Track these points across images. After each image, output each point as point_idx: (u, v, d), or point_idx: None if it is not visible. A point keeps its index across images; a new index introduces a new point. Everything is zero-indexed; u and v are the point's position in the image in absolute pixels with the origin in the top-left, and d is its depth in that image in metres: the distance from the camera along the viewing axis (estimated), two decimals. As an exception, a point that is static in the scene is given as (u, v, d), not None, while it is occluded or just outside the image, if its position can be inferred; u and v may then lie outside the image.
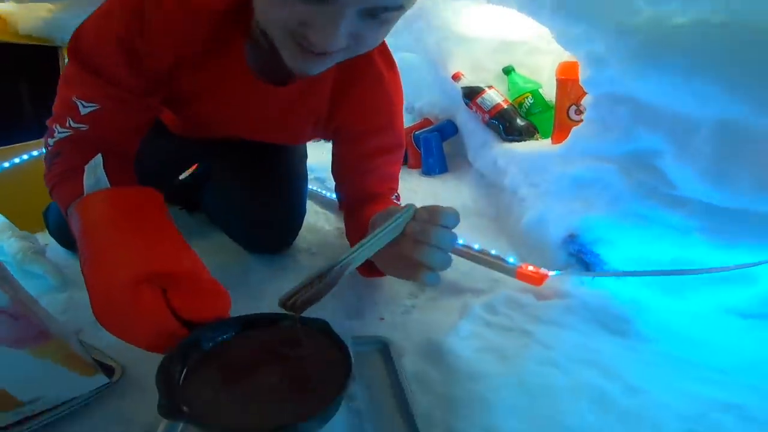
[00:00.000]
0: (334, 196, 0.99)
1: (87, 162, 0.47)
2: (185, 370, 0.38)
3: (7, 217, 0.78)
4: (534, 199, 0.82)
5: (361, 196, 0.69)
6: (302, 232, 0.86)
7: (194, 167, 1.05)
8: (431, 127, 1.27)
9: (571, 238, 0.67)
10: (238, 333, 0.43)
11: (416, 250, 0.42)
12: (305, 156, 0.92)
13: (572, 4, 0.47)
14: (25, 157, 0.92)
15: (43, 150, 0.56)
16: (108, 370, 0.46)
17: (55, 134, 0.54)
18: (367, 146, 0.67)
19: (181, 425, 0.40)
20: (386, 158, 0.69)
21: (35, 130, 1.00)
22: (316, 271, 0.42)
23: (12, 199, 0.85)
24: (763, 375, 0.48)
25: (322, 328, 0.42)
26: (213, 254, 0.82)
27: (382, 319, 0.62)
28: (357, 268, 0.61)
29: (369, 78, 0.61)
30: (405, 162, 1.27)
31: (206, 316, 0.41)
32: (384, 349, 0.54)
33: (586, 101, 0.70)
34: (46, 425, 0.41)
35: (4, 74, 1.02)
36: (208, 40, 0.53)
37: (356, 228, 0.66)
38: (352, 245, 0.68)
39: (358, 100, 0.63)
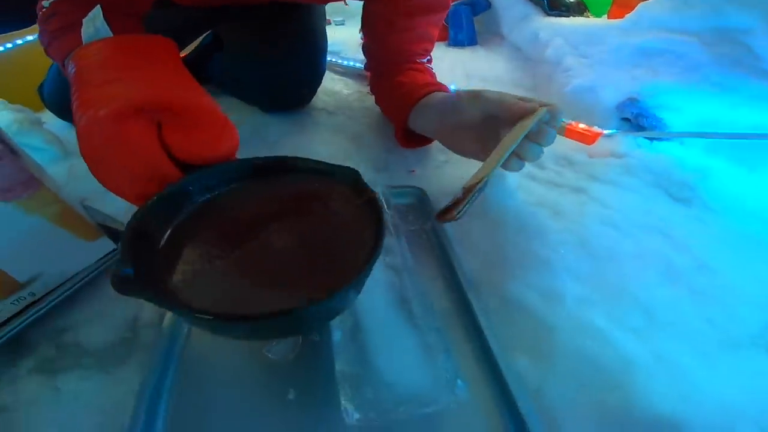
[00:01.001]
0: (352, 63, 0.93)
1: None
2: (168, 230, 0.29)
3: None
4: (582, 68, 0.77)
5: (394, 55, 0.60)
6: (320, 95, 0.78)
7: (196, 43, 0.92)
8: (461, 0, 1.12)
9: (631, 102, 0.59)
10: (242, 181, 0.33)
11: (524, 149, 0.40)
12: (324, 16, 0.80)
13: None
14: (19, 42, 0.88)
15: (38, 12, 0.45)
16: (114, 236, 0.39)
17: None
18: (407, 3, 0.56)
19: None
20: (428, 18, 0.59)
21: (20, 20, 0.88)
22: (468, 184, 0.36)
23: (4, 82, 0.80)
24: None
25: (350, 176, 0.32)
26: (228, 114, 0.74)
27: (413, 171, 0.55)
28: (396, 138, 0.56)
29: None
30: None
31: (206, 155, 0.32)
32: (421, 199, 0.47)
33: None
34: (47, 313, 0.36)
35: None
36: None
37: (389, 90, 0.59)
38: (384, 107, 0.61)
39: None
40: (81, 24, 0.36)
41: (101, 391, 0.31)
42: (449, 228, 0.42)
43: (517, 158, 0.41)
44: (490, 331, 0.31)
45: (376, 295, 0.33)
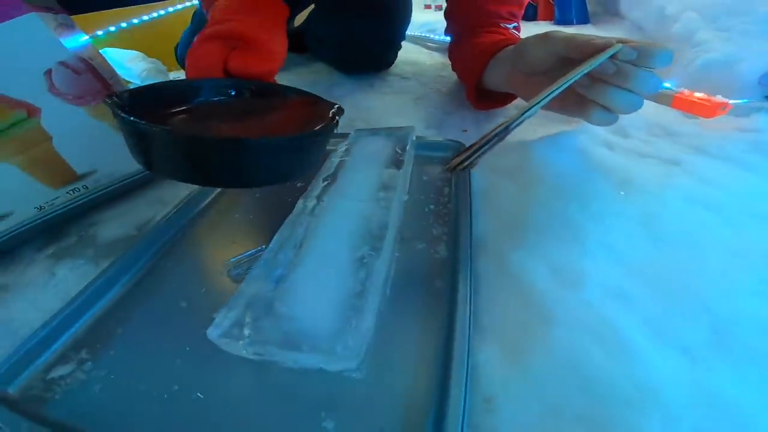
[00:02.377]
0: (442, 38, 0.86)
1: None
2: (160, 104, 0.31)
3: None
4: (719, 41, 0.61)
5: (476, 18, 0.53)
6: (401, 65, 0.75)
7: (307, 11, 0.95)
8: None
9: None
10: (237, 93, 0.37)
11: (602, 93, 0.32)
12: None
13: None
14: (157, 14, 1.08)
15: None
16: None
17: None
18: None
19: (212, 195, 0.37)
20: None
21: None
22: (496, 127, 0.33)
23: (148, 46, 0.96)
24: None
25: (331, 105, 0.34)
26: (307, 75, 0.77)
27: (465, 130, 0.47)
28: (468, 98, 0.50)
29: None
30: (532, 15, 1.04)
31: (245, 71, 0.37)
32: (458, 153, 0.40)
33: None
34: (97, 204, 0.40)
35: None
36: None
37: (463, 52, 0.53)
38: (459, 69, 0.55)
39: None
40: None
41: (79, 280, 0.30)
42: (476, 180, 0.34)
43: (601, 108, 0.32)
44: (464, 302, 0.23)
45: (343, 224, 0.27)
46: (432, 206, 0.32)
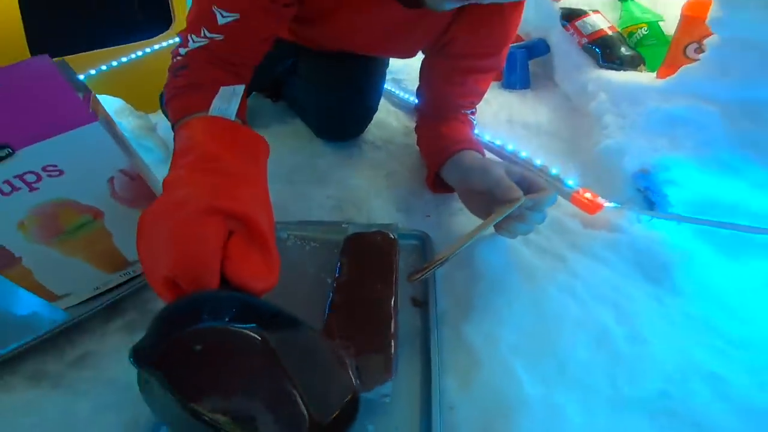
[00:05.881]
0: (408, 96, 1.01)
1: (212, 80, 0.47)
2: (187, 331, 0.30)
3: (125, 101, 0.91)
4: (617, 128, 0.78)
5: (442, 104, 0.70)
6: (371, 126, 0.89)
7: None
8: (520, 43, 1.16)
9: (643, 173, 0.62)
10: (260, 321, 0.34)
11: (509, 226, 0.50)
12: (388, 62, 0.92)
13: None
14: (139, 53, 1.10)
15: (172, 58, 0.53)
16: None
17: (189, 44, 0.51)
18: (466, 64, 0.65)
19: None
20: (481, 77, 0.68)
21: (146, 31, 1.17)
22: (441, 254, 0.47)
23: (130, 87, 0.98)
24: (766, 355, 0.46)
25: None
26: (288, 137, 0.88)
27: (429, 216, 0.64)
28: (427, 183, 0.67)
29: (491, 8, 0.57)
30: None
31: (247, 278, 0.32)
32: (423, 242, 0.57)
33: (709, 41, 0.65)
34: (140, 287, 0.50)
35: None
36: None
37: (430, 138, 0.69)
38: (422, 151, 0.72)
39: (475, 24, 0.61)
40: (207, 87, 0.45)
41: None
42: (441, 271, 0.52)
43: (506, 231, 0.51)
44: (436, 352, 0.43)
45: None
46: (410, 289, 0.51)
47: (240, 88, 0.42)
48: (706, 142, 0.60)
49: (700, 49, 0.74)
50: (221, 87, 0.43)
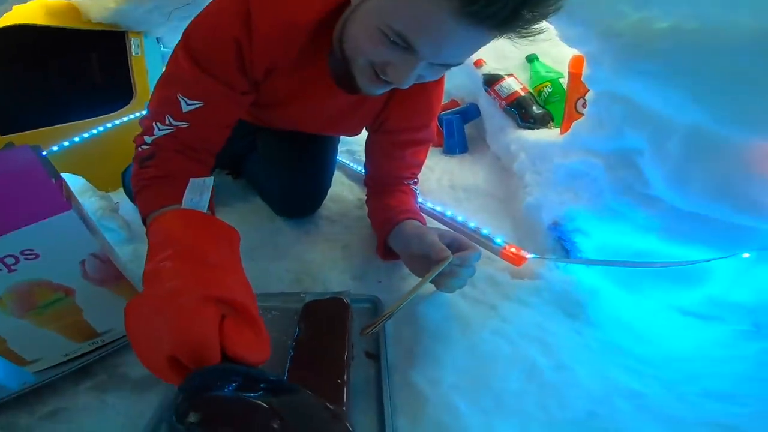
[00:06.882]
0: (360, 169, 1.10)
1: (180, 170, 0.52)
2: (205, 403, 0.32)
3: (87, 180, 0.93)
4: (535, 185, 0.89)
5: (387, 177, 0.80)
6: (327, 200, 0.98)
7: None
8: (455, 108, 1.32)
9: (555, 225, 0.73)
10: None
11: (444, 282, 0.59)
12: (339, 141, 1.04)
13: (569, 6, 0.49)
14: (100, 128, 1.11)
15: (136, 146, 0.55)
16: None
17: (155, 132, 0.54)
18: (402, 138, 0.76)
19: None
20: (416, 149, 0.78)
21: (108, 105, 1.17)
22: (388, 310, 0.56)
23: (91, 164, 1.00)
24: (675, 370, 0.54)
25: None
26: (249, 215, 0.97)
27: (380, 281, 0.72)
28: (377, 251, 0.76)
29: (416, 86, 0.60)
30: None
31: (246, 354, 0.36)
32: (375, 304, 0.65)
33: (588, 96, 0.73)
34: (112, 351, 0.54)
35: (79, 56, 1.17)
36: (301, 51, 0.57)
37: (377, 210, 0.78)
38: (372, 222, 0.83)
39: (406, 101, 0.71)
40: (177, 178, 0.49)
41: (131, 405, 0.49)
42: (390, 326, 0.61)
43: (443, 287, 0.61)
44: (388, 396, 0.49)
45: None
46: (363, 344, 0.58)
47: (210, 180, 0.46)
48: (597, 193, 0.69)
49: (585, 104, 0.80)
50: (191, 179, 0.46)
